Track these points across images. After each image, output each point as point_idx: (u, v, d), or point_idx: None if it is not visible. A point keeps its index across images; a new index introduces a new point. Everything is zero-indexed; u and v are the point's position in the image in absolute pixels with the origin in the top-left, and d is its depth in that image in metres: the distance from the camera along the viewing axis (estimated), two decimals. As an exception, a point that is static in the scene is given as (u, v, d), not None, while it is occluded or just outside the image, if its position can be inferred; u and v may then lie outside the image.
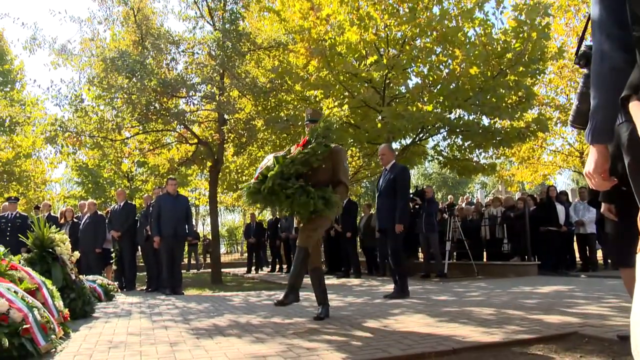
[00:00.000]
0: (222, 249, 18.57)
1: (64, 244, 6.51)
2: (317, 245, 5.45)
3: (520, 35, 11.24)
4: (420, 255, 13.29)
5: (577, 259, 12.48)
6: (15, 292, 4.07)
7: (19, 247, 8.40)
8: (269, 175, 4.98)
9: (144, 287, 10.84)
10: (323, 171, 5.22)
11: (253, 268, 17.23)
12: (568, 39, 17.11)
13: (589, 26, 2.00)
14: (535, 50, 11.24)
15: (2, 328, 3.54)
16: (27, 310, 3.88)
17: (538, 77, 12.52)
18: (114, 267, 11.59)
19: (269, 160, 5.27)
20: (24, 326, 3.70)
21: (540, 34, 11.14)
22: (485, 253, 13.11)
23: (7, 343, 3.47)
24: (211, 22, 13.10)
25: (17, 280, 4.42)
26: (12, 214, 11.19)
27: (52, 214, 12.49)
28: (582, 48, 2.87)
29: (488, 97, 11.62)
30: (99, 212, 11.81)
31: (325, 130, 5.28)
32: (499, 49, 11.47)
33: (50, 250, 6.20)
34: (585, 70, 2.79)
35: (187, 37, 13.04)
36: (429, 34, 11.61)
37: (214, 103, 11.86)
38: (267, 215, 31.12)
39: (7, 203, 11.78)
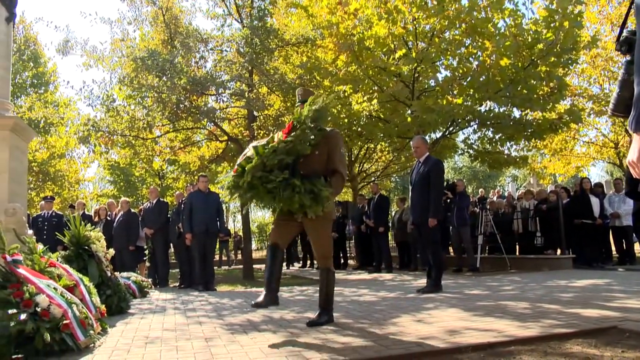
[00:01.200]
0: (253, 245, 18.69)
1: (99, 241, 6.63)
2: (330, 245, 4.82)
3: (552, 24, 11.05)
4: (451, 249, 13.18)
5: (614, 252, 12.22)
6: (54, 288, 4.15)
7: (55, 245, 8.57)
8: (246, 167, 4.37)
9: (177, 284, 10.96)
10: (317, 159, 4.60)
11: (284, 264, 17.28)
12: (602, 27, 16.77)
13: (631, 11, 1.95)
14: (567, 40, 11.03)
15: (43, 323, 3.63)
16: (67, 306, 3.95)
17: (570, 67, 12.32)
18: (147, 264, 11.75)
19: (249, 150, 4.63)
20: (64, 321, 3.78)
21: (572, 22, 10.93)
22: (517, 246, 12.94)
23: (49, 337, 3.54)
24: (239, 20, 13.17)
25: (56, 277, 4.50)
26: (48, 212, 11.45)
27: (86, 212, 12.73)
28: (624, 34, 2.79)
29: (519, 88, 11.47)
30: (132, 210, 11.96)
31: (316, 112, 4.61)
32: (529, 40, 11.30)
33: (86, 247, 6.32)
34: (627, 57, 2.72)
35: (215, 35, 13.15)
36: (458, 26, 11.50)
37: (244, 100, 11.93)
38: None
39: (43, 202, 12.04)
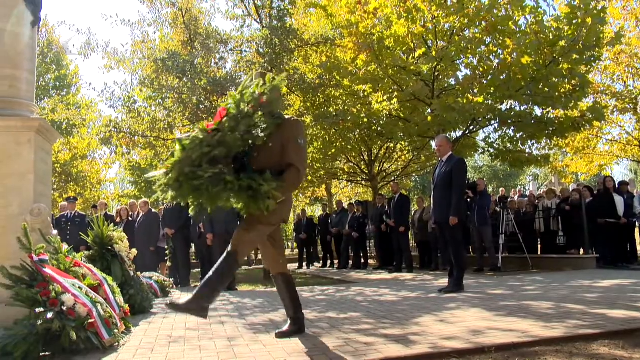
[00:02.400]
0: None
1: (122, 241, 6.69)
2: (281, 248, 4.45)
3: (574, 21, 10.92)
4: (471, 248, 13.09)
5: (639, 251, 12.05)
6: (79, 287, 4.21)
7: (78, 244, 8.68)
8: (171, 163, 3.79)
9: (198, 284, 11.02)
10: (271, 152, 4.01)
11: (304, 264, 17.30)
12: (626, 22, 16.48)
13: None
14: (590, 37, 10.89)
15: (69, 322, 3.68)
16: (91, 305, 4.01)
17: (593, 64, 12.15)
18: (168, 264, 11.84)
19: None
20: (89, 320, 3.83)
21: (595, 19, 10.79)
22: (539, 246, 12.82)
23: (75, 336, 3.59)
24: (258, 20, 13.24)
25: (81, 276, 4.56)
26: (71, 213, 11.60)
27: (108, 212, 12.86)
28: None
29: (540, 86, 11.36)
30: (153, 211, 12.06)
31: (260, 97, 3.95)
32: (551, 37, 11.17)
33: (110, 247, 6.39)
34: None
35: (235, 36, 13.23)
36: (478, 24, 11.42)
37: (263, 100, 11.96)
38: (316, 211, 31.29)
39: (66, 203, 12.21)
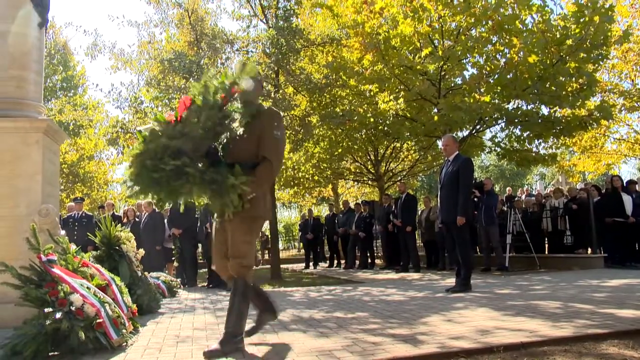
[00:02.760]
0: (280, 245, 18.77)
1: (130, 241, 6.72)
2: (243, 247, 3.80)
3: (582, 19, 10.87)
4: (478, 248, 13.06)
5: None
6: (88, 287, 4.23)
7: (86, 245, 8.71)
8: (131, 155, 3.58)
9: (205, 284, 11.04)
10: (245, 144, 3.79)
11: (311, 264, 17.31)
12: (634, 20, 16.39)
13: None
14: (597, 35, 10.83)
15: (78, 322, 3.69)
16: (100, 305, 4.02)
17: (601, 62, 12.10)
18: (175, 264, 11.86)
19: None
20: (98, 320, 3.84)
21: (603, 17, 10.73)
22: (546, 245, 12.78)
23: (83, 336, 3.61)
24: (264, 20, 13.22)
25: (89, 276, 4.58)
26: (78, 213, 11.65)
27: (115, 213, 12.90)
28: None
29: (547, 85, 11.32)
30: (157, 210, 12.07)
31: (232, 86, 3.74)
32: (558, 36, 11.13)
33: (117, 248, 6.41)
34: None
35: (241, 36, 13.22)
36: (484, 23, 11.38)
37: (270, 100, 11.97)
38: (323, 211, 31.25)
39: (73, 203, 12.25)
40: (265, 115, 3.85)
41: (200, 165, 3.62)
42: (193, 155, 3.59)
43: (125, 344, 4.05)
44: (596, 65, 11.98)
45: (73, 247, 4.80)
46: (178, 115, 3.64)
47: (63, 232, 5.55)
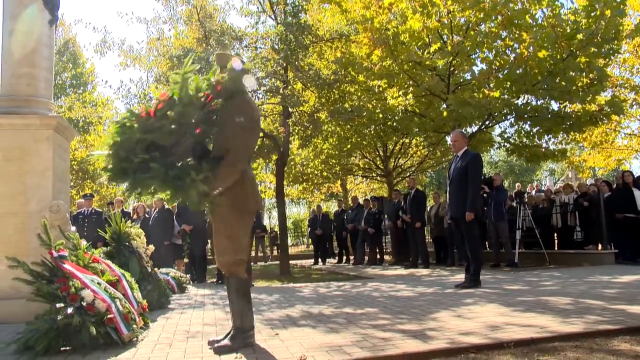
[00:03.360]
0: (289, 241, 18.82)
1: (139, 237, 6.76)
2: (229, 244, 3.72)
3: (593, 13, 10.79)
4: (487, 244, 13.02)
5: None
6: (98, 283, 4.25)
7: (95, 241, 8.75)
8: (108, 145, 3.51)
9: (214, 280, 11.08)
10: (218, 135, 3.68)
11: (320, 259, 17.32)
12: (646, 14, 16.25)
13: None
14: (608, 29, 10.74)
15: (89, 317, 3.72)
16: (110, 300, 4.04)
17: (612, 57, 12.02)
18: (185, 260, 11.88)
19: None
20: (108, 316, 3.87)
21: (614, 10, 10.65)
22: (556, 241, 12.72)
23: (95, 331, 3.63)
24: (273, 17, 13.21)
25: (100, 272, 4.61)
26: (88, 210, 11.70)
27: (124, 209, 12.95)
28: None
29: (557, 80, 11.25)
30: (166, 207, 12.09)
31: (216, 84, 3.60)
32: (568, 30, 11.05)
33: (127, 244, 6.44)
34: None
35: (249, 33, 13.22)
36: (493, 18, 11.33)
37: (279, 96, 11.98)
38: (332, 207, 31.27)
39: (82, 200, 12.31)
40: (234, 100, 3.64)
41: (176, 161, 3.53)
42: (174, 149, 3.52)
43: (135, 339, 4.07)
44: (607, 59, 11.92)
45: (84, 243, 4.82)
46: (155, 107, 3.54)
47: (73, 228, 5.58)
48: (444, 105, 12.23)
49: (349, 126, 14.19)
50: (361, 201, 17.06)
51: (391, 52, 12.01)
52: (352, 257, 16.59)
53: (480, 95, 11.76)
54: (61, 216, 5.24)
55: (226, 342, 3.61)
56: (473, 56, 12.10)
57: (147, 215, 12.09)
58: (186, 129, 3.53)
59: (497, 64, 11.89)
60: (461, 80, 13.02)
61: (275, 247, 23.56)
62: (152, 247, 7.11)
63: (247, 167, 3.75)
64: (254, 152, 3.60)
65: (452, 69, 12.13)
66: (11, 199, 5.39)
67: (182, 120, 3.49)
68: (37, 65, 5.91)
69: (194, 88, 3.53)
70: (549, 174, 42.81)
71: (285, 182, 17.13)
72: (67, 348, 3.68)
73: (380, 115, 13.18)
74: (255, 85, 3.43)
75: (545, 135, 12.93)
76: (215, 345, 3.61)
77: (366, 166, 19.05)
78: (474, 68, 12.43)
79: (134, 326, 4.16)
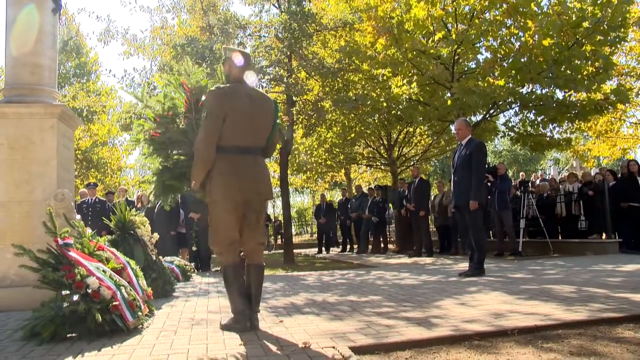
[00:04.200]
0: (292, 230, 18.86)
1: (144, 226, 6.77)
2: (214, 231, 3.87)
3: (599, 1, 10.69)
4: (491, 233, 13.02)
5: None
6: (103, 271, 4.26)
7: (99, 230, 8.79)
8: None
9: (218, 268, 11.10)
10: None
11: (324, 248, 17.35)
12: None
13: None
14: (615, 17, 10.66)
15: (94, 304, 3.73)
16: (115, 288, 4.06)
17: (618, 45, 11.92)
18: (194, 248, 11.92)
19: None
20: (114, 303, 3.88)
21: (622, -2, 10.56)
22: (560, 230, 12.70)
23: (100, 318, 3.65)
24: (277, 5, 13.17)
25: (105, 260, 4.62)
26: (91, 199, 11.75)
27: (128, 198, 12.98)
28: None
29: (562, 69, 11.18)
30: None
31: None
32: (574, 18, 10.97)
33: (132, 232, 6.46)
34: None
35: (253, 21, 13.19)
36: (498, 6, 11.25)
37: (283, 85, 11.96)
38: (336, 196, 31.28)
39: (86, 189, 12.35)
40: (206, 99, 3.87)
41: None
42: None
43: (141, 326, 4.09)
44: (613, 48, 11.82)
45: (89, 231, 4.84)
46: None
47: (78, 216, 5.60)
48: (449, 94, 12.19)
49: (353, 115, 14.17)
50: (365, 190, 17.08)
51: (395, 40, 11.95)
52: (356, 246, 16.62)
53: (485, 84, 11.69)
54: (66, 204, 5.26)
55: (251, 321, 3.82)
56: (478, 44, 12.04)
57: (151, 205, 12.11)
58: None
59: (502, 52, 11.81)
60: (465, 68, 12.97)
61: (279, 236, 23.62)
62: (156, 236, 7.12)
63: (214, 157, 3.71)
64: (217, 135, 3.66)
65: (456, 57, 12.08)
66: (16, 187, 5.41)
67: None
68: (41, 54, 5.90)
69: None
70: (554, 163, 42.63)
71: (289, 171, 17.14)
72: (73, 335, 3.70)
73: (385, 104, 13.15)
74: (256, 81, 3.69)
75: (550, 124, 12.89)
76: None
77: (370, 155, 19.04)
78: (479, 56, 12.39)
79: (139, 313, 4.18)
